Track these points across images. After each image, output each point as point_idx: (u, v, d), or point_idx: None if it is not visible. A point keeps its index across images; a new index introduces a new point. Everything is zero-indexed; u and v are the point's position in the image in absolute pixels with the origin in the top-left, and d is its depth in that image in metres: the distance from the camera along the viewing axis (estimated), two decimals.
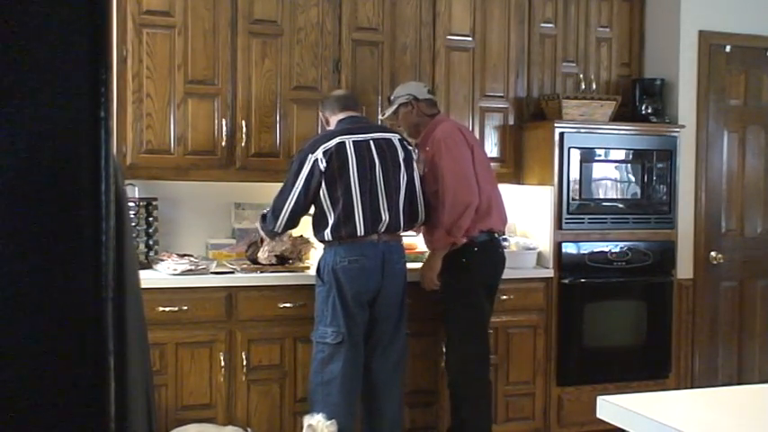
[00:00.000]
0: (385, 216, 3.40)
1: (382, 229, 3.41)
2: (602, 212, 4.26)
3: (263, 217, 3.56)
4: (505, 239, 4.08)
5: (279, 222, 3.44)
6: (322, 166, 3.34)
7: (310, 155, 3.37)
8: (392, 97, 3.80)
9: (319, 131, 3.70)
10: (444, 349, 3.80)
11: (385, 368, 3.50)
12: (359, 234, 3.36)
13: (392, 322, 3.49)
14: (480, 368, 3.70)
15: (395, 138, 3.54)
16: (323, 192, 3.36)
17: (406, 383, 3.89)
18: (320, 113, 3.67)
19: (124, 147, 3.70)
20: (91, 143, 0.76)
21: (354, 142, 3.40)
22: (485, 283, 3.68)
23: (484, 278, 3.68)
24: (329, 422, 3.21)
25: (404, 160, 3.51)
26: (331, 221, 3.36)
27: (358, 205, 3.35)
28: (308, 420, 3.25)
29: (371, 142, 3.44)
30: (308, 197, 3.38)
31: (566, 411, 4.19)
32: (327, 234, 3.38)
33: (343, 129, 3.47)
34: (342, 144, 3.38)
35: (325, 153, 3.35)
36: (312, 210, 3.46)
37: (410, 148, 3.59)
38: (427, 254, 4.06)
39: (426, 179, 3.63)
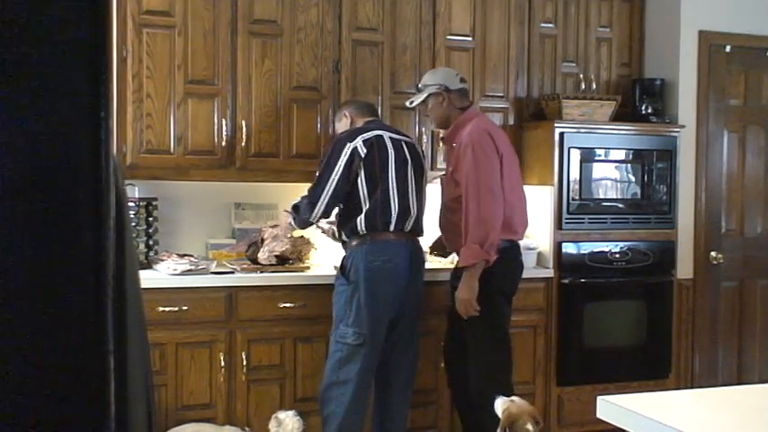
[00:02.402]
0: (413, 212, 3.45)
1: (409, 227, 3.44)
2: (602, 212, 4.26)
3: (296, 207, 3.50)
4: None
5: (316, 211, 3.39)
6: (362, 152, 3.35)
7: (349, 143, 3.37)
8: (421, 85, 3.66)
9: (331, 131, 3.71)
10: (444, 351, 3.79)
11: (403, 366, 3.54)
12: (392, 226, 3.36)
13: (411, 321, 3.53)
14: (506, 375, 3.57)
15: (416, 143, 3.63)
16: (361, 180, 3.35)
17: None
18: (342, 112, 3.65)
19: (124, 147, 3.70)
20: (91, 143, 0.76)
21: (391, 138, 3.46)
22: (505, 290, 3.56)
23: (505, 285, 3.55)
24: (297, 418, 3.23)
25: (424, 167, 3.61)
26: (365, 209, 3.34)
27: (394, 196, 3.38)
28: (278, 414, 3.29)
29: (403, 143, 3.51)
30: (347, 183, 3.35)
31: (566, 411, 4.19)
32: (360, 224, 3.34)
33: (377, 126, 3.52)
34: (381, 137, 3.42)
35: (365, 142, 3.37)
36: (345, 206, 3.46)
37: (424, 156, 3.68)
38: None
39: (447, 181, 3.56)
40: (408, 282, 3.44)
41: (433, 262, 3.97)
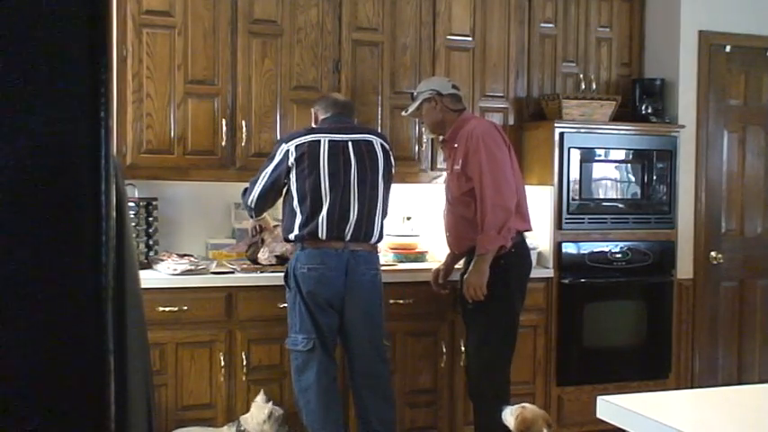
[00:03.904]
0: (352, 217, 3.35)
1: (348, 233, 3.34)
2: (602, 212, 4.26)
3: (245, 191, 3.56)
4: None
5: (250, 198, 3.46)
6: (291, 158, 3.34)
7: (284, 144, 3.39)
8: (415, 93, 3.69)
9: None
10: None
11: (366, 382, 3.44)
12: (320, 235, 3.31)
13: (366, 335, 3.41)
14: (506, 371, 3.56)
15: (376, 141, 3.48)
16: (293, 187, 3.36)
17: (406, 383, 3.89)
18: (312, 110, 3.63)
19: (124, 147, 3.70)
20: (91, 143, 0.76)
21: (330, 141, 3.37)
22: (520, 286, 3.54)
23: (520, 280, 3.54)
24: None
25: (383, 165, 3.46)
26: (299, 216, 3.35)
27: (325, 204, 3.32)
28: (271, 409, 3.45)
29: (350, 143, 3.40)
30: (276, 184, 3.40)
31: (566, 411, 4.19)
32: (294, 231, 3.35)
33: (322, 128, 3.46)
34: (316, 141, 3.36)
35: (297, 147, 3.35)
36: (284, 209, 3.47)
37: (390, 152, 3.53)
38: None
39: (456, 177, 3.51)
40: (343, 290, 3.33)
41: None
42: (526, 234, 3.62)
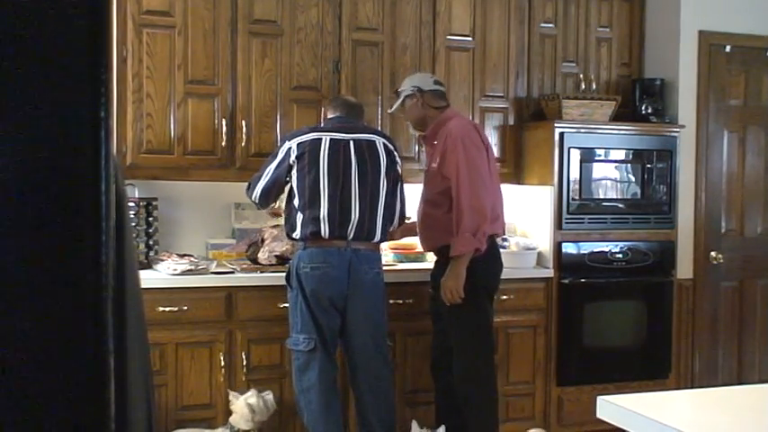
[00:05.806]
0: (354, 216, 3.35)
1: (351, 232, 3.35)
2: (602, 212, 4.26)
3: (248, 185, 3.56)
4: (505, 239, 4.07)
5: (254, 193, 3.46)
6: (293, 156, 3.35)
7: (287, 142, 3.41)
8: (399, 90, 3.71)
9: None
10: (431, 359, 3.75)
11: (367, 382, 3.44)
12: (323, 234, 3.31)
13: (368, 335, 3.41)
14: (489, 373, 3.55)
15: (379, 141, 3.49)
16: (294, 185, 3.37)
17: (406, 383, 3.89)
18: (323, 107, 3.65)
19: (124, 147, 3.71)
20: (91, 143, 0.76)
21: (331, 140, 3.38)
22: (487, 287, 3.54)
23: (487, 282, 3.52)
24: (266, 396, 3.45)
25: (386, 165, 3.46)
26: (301, 218, 3.35)
27: (324, 203, 3.32)
28: (248, 399, 3.44)
29: (351, 143, 3.40)
30: (278, 181, 3.41)
31: (566, 411, 4.19)
32: (296, 230, 3.36)
33: (325, 126, 3.48)
34: (317, 140, 3.36)
35: (299, 145, 3.36)
36: (286, 206, 3.48)
37: (394, 152, 3.53)
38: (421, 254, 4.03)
39: (433, 175, 3.53)
40: (346, 289, 3.34)
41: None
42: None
